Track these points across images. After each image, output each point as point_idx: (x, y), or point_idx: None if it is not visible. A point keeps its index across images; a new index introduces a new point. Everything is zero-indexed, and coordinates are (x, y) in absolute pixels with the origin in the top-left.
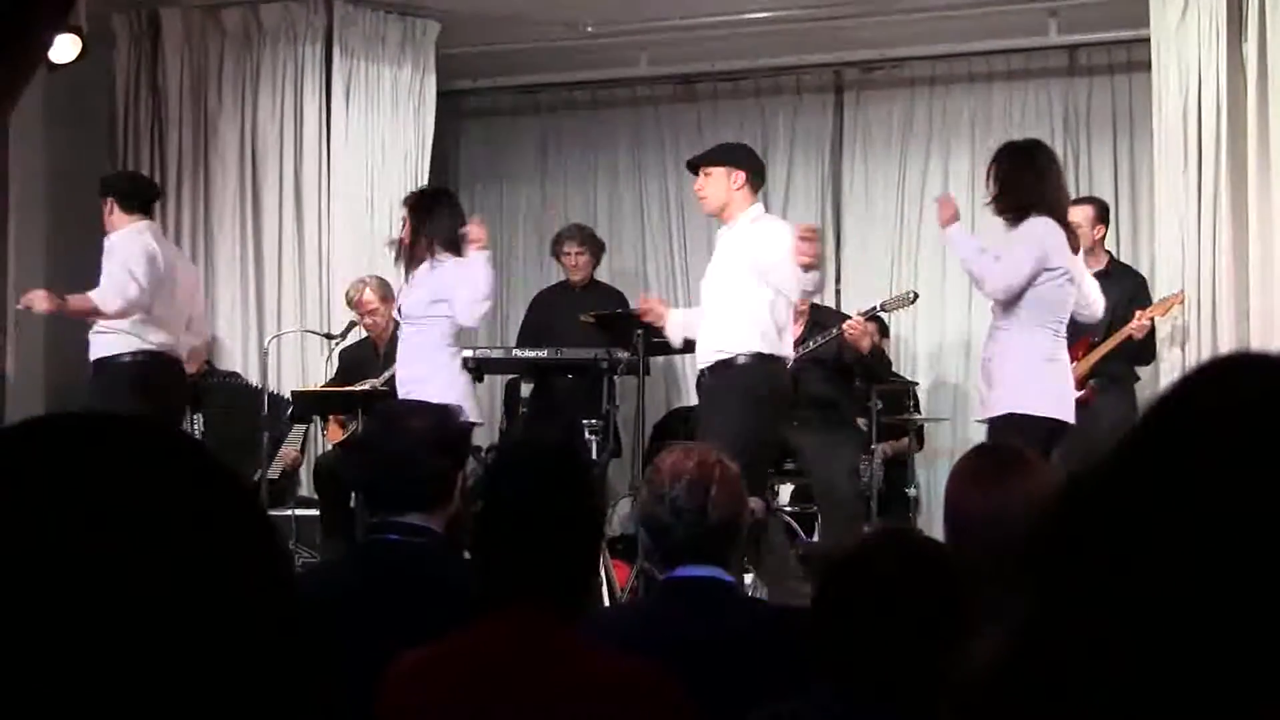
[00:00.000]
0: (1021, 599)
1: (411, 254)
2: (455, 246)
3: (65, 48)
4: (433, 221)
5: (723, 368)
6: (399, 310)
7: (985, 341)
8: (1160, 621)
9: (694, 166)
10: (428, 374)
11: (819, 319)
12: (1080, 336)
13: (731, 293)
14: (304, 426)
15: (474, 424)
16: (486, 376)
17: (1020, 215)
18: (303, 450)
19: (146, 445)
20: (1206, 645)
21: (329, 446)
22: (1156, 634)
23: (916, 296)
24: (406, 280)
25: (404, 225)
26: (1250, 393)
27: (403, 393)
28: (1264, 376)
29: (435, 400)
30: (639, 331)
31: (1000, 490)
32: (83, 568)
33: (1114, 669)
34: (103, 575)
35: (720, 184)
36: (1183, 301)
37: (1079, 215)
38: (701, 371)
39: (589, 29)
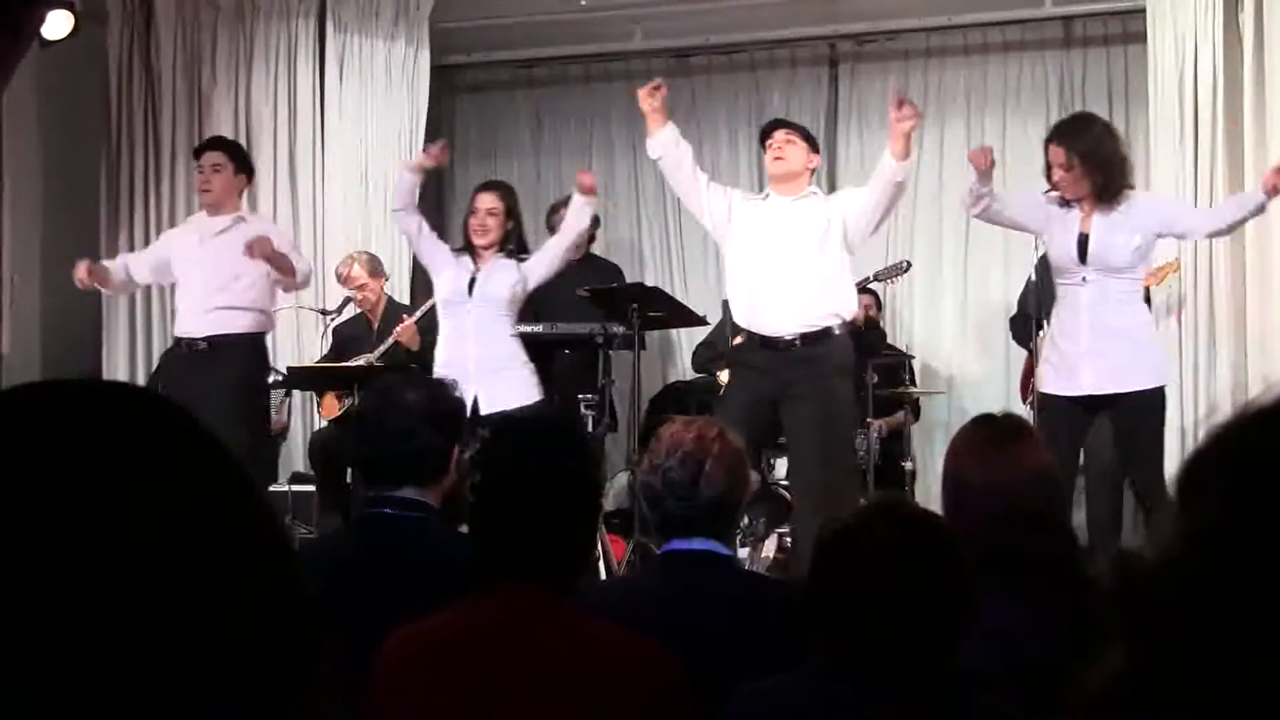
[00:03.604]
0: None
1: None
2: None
3: (58, 24)
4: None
5: (822, 337)
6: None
7: (1094, 306)
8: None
9: (774, 128)
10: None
11: None
12: None
13: (824, 260)
14: (282, 391)
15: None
16: None
17: (1122, 190)
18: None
19: (137, 411)
20: None
21: (324, 422)
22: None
23: (909, 265)
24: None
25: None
26: None
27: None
28: None
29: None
30: (634, 305)
31: (999, 460)
32: (72, 535)
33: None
34: (97, 543)
35: (802, 155)
36: (1178, 270)
37: None
38: (780, 340)
39: (583, 3)
